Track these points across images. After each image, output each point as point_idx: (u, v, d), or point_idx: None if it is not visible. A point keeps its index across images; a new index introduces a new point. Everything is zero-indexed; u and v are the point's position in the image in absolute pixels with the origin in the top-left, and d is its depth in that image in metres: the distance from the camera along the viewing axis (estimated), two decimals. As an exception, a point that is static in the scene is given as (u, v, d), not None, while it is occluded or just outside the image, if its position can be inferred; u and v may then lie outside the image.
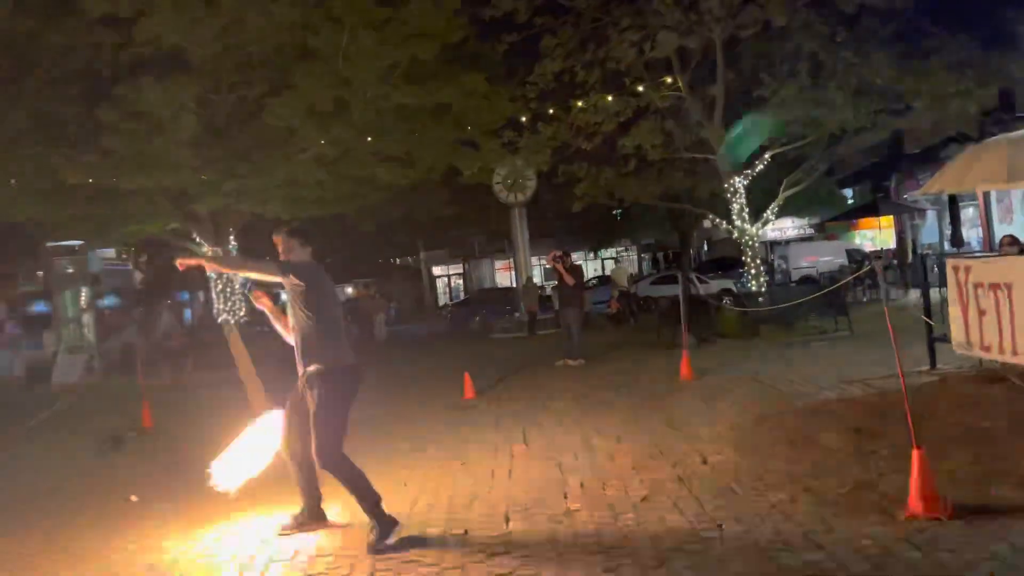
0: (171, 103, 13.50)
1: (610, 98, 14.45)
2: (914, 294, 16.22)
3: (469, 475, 5.76)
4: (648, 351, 13.22)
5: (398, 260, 46.04)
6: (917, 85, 12.17)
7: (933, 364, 8.07)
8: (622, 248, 43.34)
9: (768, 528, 4.03)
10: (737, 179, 14.45)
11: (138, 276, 33.98)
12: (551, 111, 15.35)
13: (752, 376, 9.02)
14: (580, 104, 14.29)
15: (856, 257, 24.75)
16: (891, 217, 27.17)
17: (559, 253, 12.26)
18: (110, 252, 29.09)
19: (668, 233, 31.76)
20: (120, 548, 4.77)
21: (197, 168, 15.24)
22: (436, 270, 47.95)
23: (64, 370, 18.13)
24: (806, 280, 23.89)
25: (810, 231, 35.39)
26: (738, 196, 14.53)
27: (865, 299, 16.19)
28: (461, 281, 47.61)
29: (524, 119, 15.74)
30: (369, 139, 16.77)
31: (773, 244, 31.94)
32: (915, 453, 3.97)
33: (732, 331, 13.52)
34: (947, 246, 23.73)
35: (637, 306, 22.41)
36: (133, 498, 6.03)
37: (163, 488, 6.29)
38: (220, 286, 18.85)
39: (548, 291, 25.10)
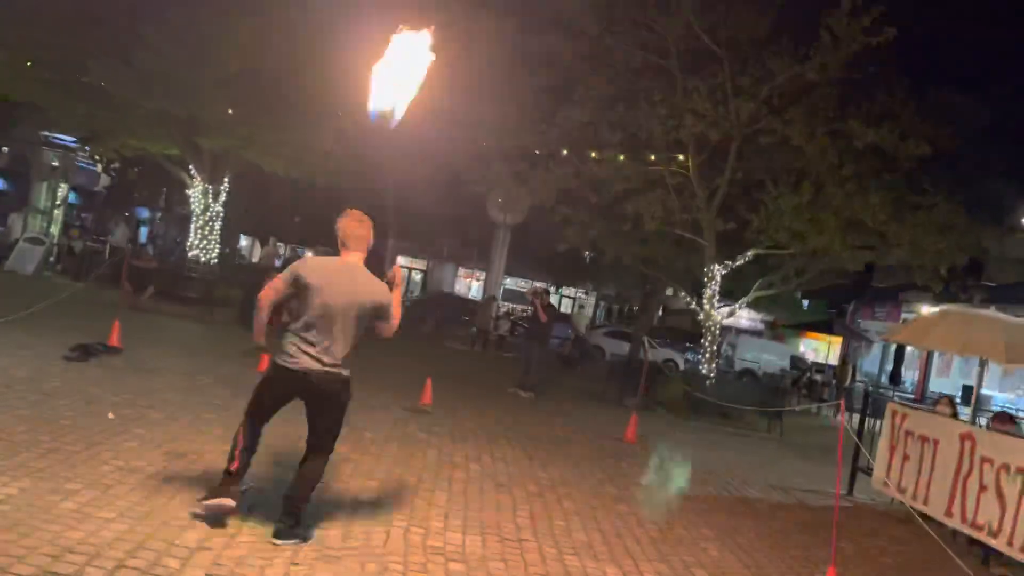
0: (227, 42, 13.85)
1: (622, 157, 15.12)
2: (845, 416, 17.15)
3: (429, 480, 6.20)
4: (595, 403, 13.83)
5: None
6: (902, 234, 13.12)
7: (850, 491, 8.82)
8: (583, 291, 44.10)
9: (691, 600, 4.59)
10: (717, 267, 15.22)
11: (103, 180, 33.46)
12: (564, 152, 15.97)
13: (687, 456, 9.67)
14: (595, 155, 14.92)
15: (799, 365, 25.88)
16: (840, 337, 28.48)
17: (541, 289, 12.85)
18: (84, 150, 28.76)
19: (630, 288, 32.59)
20: (108, 461, 5.10)
21: (221, 107, 15.54)
22: (400, 259, 48.06)
23: (20, 258, 17.98)
24: (747, 372, 24.91)
25: (761, 326, 36.75)
26: (713, 283, 15.30)
27: (798, 409, 17.07)
28: (420, 278, 47.82)
29: (538, 152, 16.33)
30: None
31: (723, 330, 33.02)
32: (831, 570, 4.58)
33: (673, 405, 14.19)
34: (883, 379, 25.05)
35: (586, 353, 23.14)
36: (111, 415, 6.32)
37: (139, 412, 6.59)
38: (201, 222, 19.01)
39: (499, 313, 25.51)
